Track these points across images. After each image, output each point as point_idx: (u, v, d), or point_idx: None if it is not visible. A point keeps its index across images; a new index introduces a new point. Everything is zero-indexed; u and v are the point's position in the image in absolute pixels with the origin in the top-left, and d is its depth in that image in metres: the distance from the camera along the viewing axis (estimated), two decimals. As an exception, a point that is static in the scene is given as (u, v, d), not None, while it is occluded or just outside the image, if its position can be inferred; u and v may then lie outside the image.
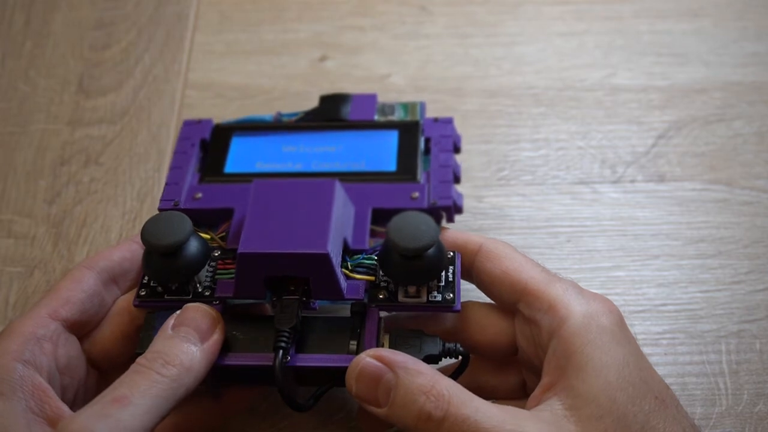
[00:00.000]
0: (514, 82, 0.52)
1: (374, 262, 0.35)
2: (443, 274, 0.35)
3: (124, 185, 0.48)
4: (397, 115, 0.42)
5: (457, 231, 0.37)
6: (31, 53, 0.54)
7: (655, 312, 0.42)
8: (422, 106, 0.43)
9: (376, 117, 0.42)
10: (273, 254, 0.33)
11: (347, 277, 0.35)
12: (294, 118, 0.42)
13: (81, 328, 0.35)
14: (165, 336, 0.32)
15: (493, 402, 0.37)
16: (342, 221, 0.35)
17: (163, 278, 0.35)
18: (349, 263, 0.35)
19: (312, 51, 0.54)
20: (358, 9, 0.56)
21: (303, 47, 0.54)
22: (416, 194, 0.37)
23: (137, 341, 0.35)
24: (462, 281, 0.36)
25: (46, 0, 0.57)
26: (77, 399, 0.34)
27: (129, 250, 0.36)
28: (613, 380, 0.30)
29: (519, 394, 0.36)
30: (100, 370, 0.36)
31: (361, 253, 0.36)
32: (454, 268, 0.35)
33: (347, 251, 0.36)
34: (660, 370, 0.33)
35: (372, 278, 0.35)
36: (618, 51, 0.53)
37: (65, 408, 0.31)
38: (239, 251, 0.33)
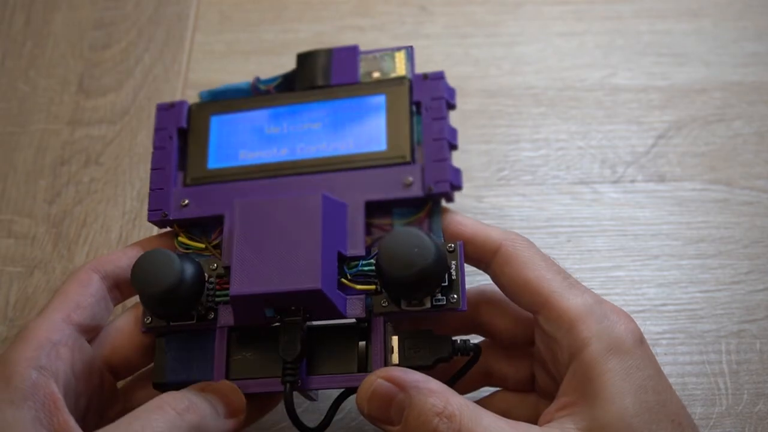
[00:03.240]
0: (514, 82, 0.52)
1: (373, 267, 0.34)
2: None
3: (124, 185, 0.48)
4: (385, 68, 0.39)
5: (476, 224, 0.35)
6: (31, 53, 0.54)
7: (655, 312, 0.42)
8: (409, 52, 0.39)
9: (360, 73, 0.39)
10: (265, 294, 0.33)
11: (347, 287, 0.34)
12: (272, 84, 0.40)
13: (90, 333, 0.34)
14: (198, 390, 0.32)
15: (503, 390, 0.37)
16: (333, 233, 0.34)
17: (162, 314, 0.35)
18: (347, 273, 0.35)
19: (312, 51, 0.54)
20: (358, 9, 0.56)
21: (303, 47, 0.53)
22: (410, 180, 0.35)
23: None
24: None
25: (46, 0, 0.56)
26: (91, 406, 0.33)
27: (136, 257, 0.35)
28: (629, 406, 0.30)
29: (528, 387, 0.37)
30: (118, 376, 0.36)
31: (359, 260, 0.35)
32: (458, 263, 0.34)
33: (344, 260, 0.35)
34: (660, 370, 0.33)
35: (373, 287, 0.34)
36: (618, 51, 0.53)
37: (72, 422, 0.30)
38: (231, 294, 0.33)
